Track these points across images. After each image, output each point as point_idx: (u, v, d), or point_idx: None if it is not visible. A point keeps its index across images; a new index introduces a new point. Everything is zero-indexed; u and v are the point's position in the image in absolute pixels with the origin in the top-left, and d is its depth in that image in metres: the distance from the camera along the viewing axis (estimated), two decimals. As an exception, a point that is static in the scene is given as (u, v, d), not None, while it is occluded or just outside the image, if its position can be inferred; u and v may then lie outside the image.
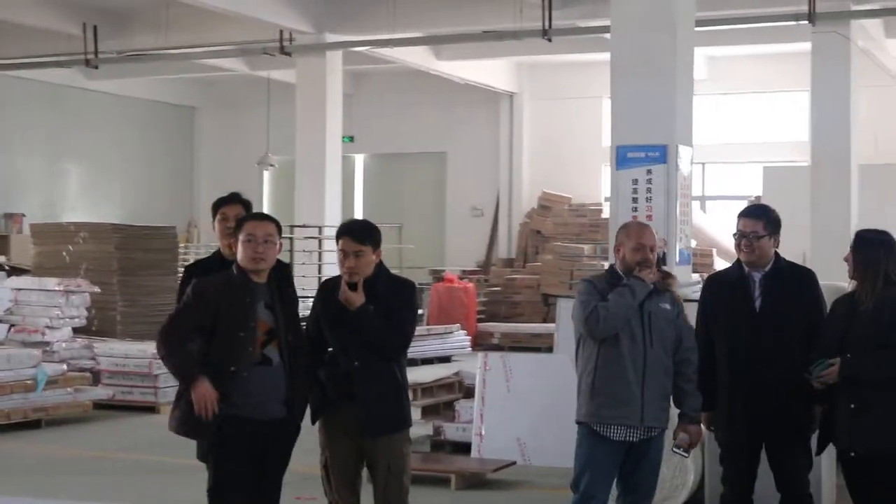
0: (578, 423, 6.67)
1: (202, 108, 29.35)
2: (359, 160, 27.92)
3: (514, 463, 10.14)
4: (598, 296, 6.47)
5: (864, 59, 18.93)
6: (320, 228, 19.74)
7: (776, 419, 6.67)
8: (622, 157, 10.95)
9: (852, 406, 6.17)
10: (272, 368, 6.25)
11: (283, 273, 6.65)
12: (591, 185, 25.89)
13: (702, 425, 6.75)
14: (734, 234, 6.88)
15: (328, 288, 6.54)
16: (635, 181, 10.88)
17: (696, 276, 11.73)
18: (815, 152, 17.87)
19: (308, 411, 6.48)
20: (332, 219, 19.68)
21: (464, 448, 10.73)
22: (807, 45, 21.21)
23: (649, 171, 10.84)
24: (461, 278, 22.91)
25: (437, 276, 23.07)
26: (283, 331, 6.34)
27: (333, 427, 6.43)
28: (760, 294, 6.78)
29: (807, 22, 17.28)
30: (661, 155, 10.82)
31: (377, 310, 6.30)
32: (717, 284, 7.09)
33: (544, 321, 22.32)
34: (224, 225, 7.22)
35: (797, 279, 6.89)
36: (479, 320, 22.04)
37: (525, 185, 26.44)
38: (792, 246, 19.88)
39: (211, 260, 7.38)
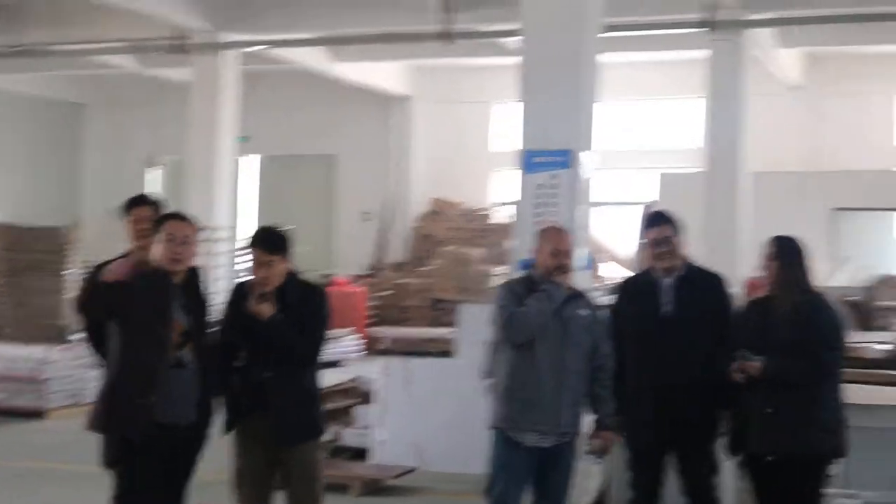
0: (492, 427, 6.59)
1: (91, 106, 28.72)
2: (254, 161, 27.62)
3: (414, 469, 10.04)
4: (516, 300, 6.42)
5: (756, 68, 19.16)
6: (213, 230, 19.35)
7: (683, 425, 6.66)
8: (529, 162, 10.90)
9: (768, 410, 6.17)
10: (186, 371, 6.16)
11: (195, 276, 6.50)
12: (480, 189, 25.91)
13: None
14: (646, 245, 6.84)
15: (240, 293, 6.41)
16: (540, 186, 10.84)
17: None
18: (710, 159, 18.02)
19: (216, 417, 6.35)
20: (222, 220, 19.35)
21: (362, 454, 10.61)
22: (696, 53, 21.63)
23: (554, 176, 10.81)
24: (351, 283, 22.73)
25: (327, 281, 22.85)
26: (197, 333, 6.21)
27: (246, 435, 6.35)
28: (670, 299, 6.76)
29: (703, 30, 17.53)
30: (565, 160, 10.79)
31: (289, 318, 6.24)
32: (627, 289, 7.06)
33: (434, 325, 22.26)
34: (136, 227, 7.01)
35: (707, 283, 6.91)
36: (370, 325, 21.90)
37: (415, 189, 26.34)
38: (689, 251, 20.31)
39: (119, 258, 7.18)
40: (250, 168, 27.57)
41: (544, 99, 10.84)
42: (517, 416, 6.43)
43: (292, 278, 6.42)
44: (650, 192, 22.54)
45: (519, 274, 7.16)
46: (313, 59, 22.70)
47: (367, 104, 26.38)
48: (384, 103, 26.48)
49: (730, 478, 8.25)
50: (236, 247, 21.91)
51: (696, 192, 19.92)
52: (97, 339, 7.14)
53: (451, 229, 24.25)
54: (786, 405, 6.17)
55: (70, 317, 14.51)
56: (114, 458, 6.41)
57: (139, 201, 7.22)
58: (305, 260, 25.37)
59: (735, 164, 17.89)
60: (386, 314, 23.13)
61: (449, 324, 22.05)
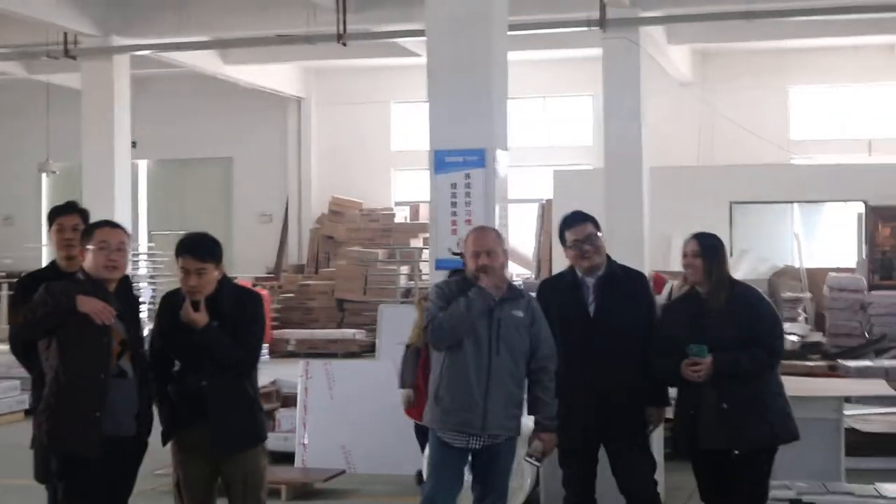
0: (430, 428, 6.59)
1: (-24, 114, 28.12)
2: (142, 166, 27.27)
3: (343, 472, 10.00)
4: (446, 302, 6.38)
5: (649, 65, 19.41)
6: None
7: (611, 423, 6.67)
8: (440, 162, 10.92)
9: (724, 406, 6.25)
10: (127, 381, 6.03)
11: (126, 283, 6.39)
12: (381, 189, 25.93)
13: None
14: (569, 246, 6.83)
15: (171, 302, 6.30)
16: (454, 185, 10.87)
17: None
18: (608, 155, 18.19)
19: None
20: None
21: (286, 458, 10.51)
22: (585, 52, 21.91)
23: (468, 176, 10.85)
24: (254, 285, 22.53)
25: (230, 283, 22.67)
26: (134, 342, 6.11)
27: (185, 446, 6.20)
28: (594, 298, 6.77)
29: (596, 28, 17.74)
30: (479, 159, 10.83)
31: (223, 326, 6.12)
32: (550, 289, 7.02)
33: (339, 326, 22.25)
34: (61, 236, 6.88)
35: (630, 282, 6.91)
36: (274, 327, 21.79)
37: (314, 191, 26.30)
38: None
39: (46, 271, 7.01)
40: (142, 173, 27.25)
41: (455, 98, 10.85)
42: (445, 417, 6.39)
43: (225, 284, 6.28)
44: (544, 190, 22.73)
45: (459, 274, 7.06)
46: (205, 62, 22.51)
47: (263, 107, 26.27)
48: (280, 105, 26.38)
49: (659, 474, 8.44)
50: (138, 252, 21.70)
51: (590, 189, 20.18)
52: (25, 349, 7.01)
53: (352, 230, 24.19)
54: (740, 398, 6.24)
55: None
56: (51, 473, 6.28)
57: (65, 209, 7.04)
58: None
59: (634, 160, 18.07)
60: (289, 316, 23.04)
61: (354, 325, 22.11)
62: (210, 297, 6.12)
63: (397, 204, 25.69)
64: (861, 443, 9.64)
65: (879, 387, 9.28)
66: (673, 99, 22.71)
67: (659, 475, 8.20)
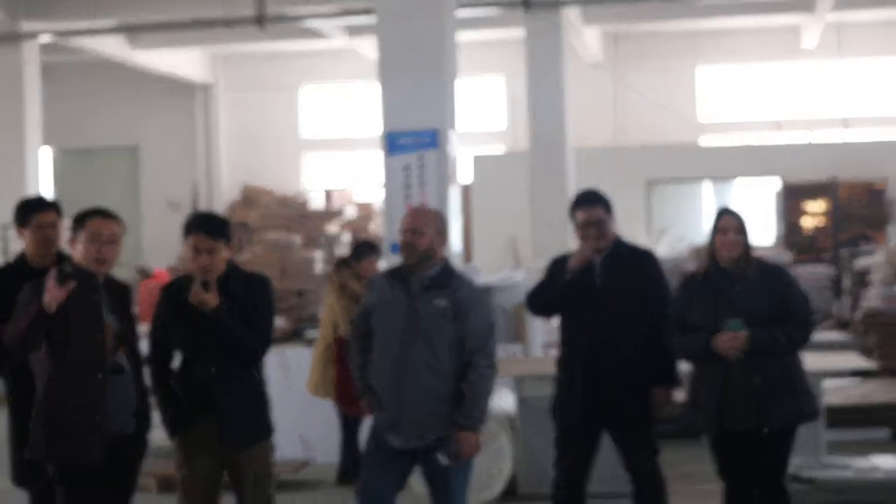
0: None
1: None
2: (47, 155, 26.61)
3: (307, 463, 9.82)
4: (374, 293, 6.29)
5: (568, 47, 19.45)
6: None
7: (616, 403, 6.58)
8: (393, 144, 10.77)
9: (755, 383, 6.17)
10: (124, 377, 5.77)
11: (112, 276, 6.11)
12: (291, 175, 25.66)
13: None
14: (578, 226, 6.74)
15: (173, 290, 6.08)
16: (407, 167, 10.74)
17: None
18: (533, 137, 18.20)
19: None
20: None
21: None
22: (500, 33, 21.90)
23: (421, 157, 10.73)
24: (170, 274, 22.11)
25: (145, 273, 22.20)
26: (128, 335, 5.87)
27: (191, 441, 5.95)
28: (601, 277, 6.69)
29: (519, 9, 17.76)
30: (431, 140, 10.72)
31: (232, 310, 5.88)
32: (559, 269, 6.92)
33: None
34: (41, 234, 6.54)
35: (637, 261, 6.84)
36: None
37: (224, 178, 25.95)
38: (503, 230, 20.59)
39: (12, 267, 6.67)
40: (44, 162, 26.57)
41: (406, 80, 10.73)
42: (376, 416, 6.12)
43: (234, 268, 6.04)
44: (463, 175, 22.65)
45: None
46: (112, 48, 22.01)
47: (170, 93, 25.85)
48: (187, 92, 25.96)
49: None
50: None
51: (510, 173, 20.24)
52: None
53: (265, 216, 23.84)
54: (771, 375, 6.17)
55: None
56: (31, 475, 6.07)
57: (42, 206, 6.69)
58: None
59: (558, 141, 18.14)
60: (209, 304, 22.62)
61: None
62: (218, 279, 5.88)
63: (308, 190, 25.43)
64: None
65: (852, 360, 9.33)
66: (586, 81, 22.75)
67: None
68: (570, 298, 6.69)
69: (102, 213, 5.92)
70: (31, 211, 6.67)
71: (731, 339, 6.15)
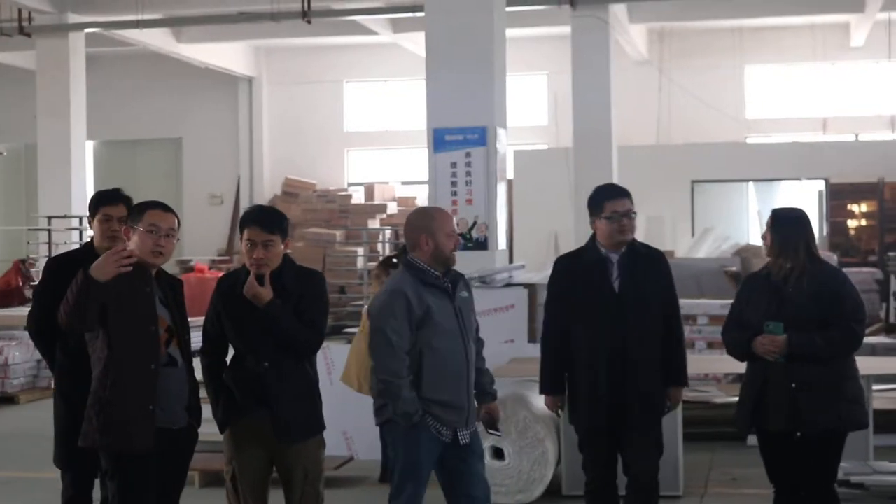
0: None
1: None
2: (88, 147, 26.70)
3: (351, 458, 9.75)
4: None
5: (613, 44, 19.35)
6: (81, 219, 18.59)
7: (632, 402, 6.50)
8: (440, 140, 10.74)
9: (793, 385, 6.09)
10: (178, 370, 5.72)
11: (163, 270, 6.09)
12: (335, 170, 25.63)
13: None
14: (607, 217, 6.63)
15: (228, 283, 6.04)
16: (454, 164, 10.70)
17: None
18: (577, 135, 18.13)
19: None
20: (79, 208, 18.64)
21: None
22: (544, 30, 21.85)
23: (468, 154, 10.68)
24: (210, 268, 22.19)
25: (186, 266, 22.29)
26: (180, 329, 5.83)
27: (242, 435, 5.90)
28: (619, 274, 6.58)
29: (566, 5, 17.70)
30: (480, 137, 10.67)
31: (286, 304, 5.82)
32: (571, 266, 6.80)
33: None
34: (106, 226, 6.56)
35: (652, 260, 6.74)
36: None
37: (267, 171, 25.93)
38: (544, 226, 20.50)
39: (80, 252, 6.77)
40: (88, 154, 26.69)
41: (455, 75, 10.69)
42: (450, 420, 6.01)
43: (289, 262, 5.99)
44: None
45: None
46: (157, 40, 22.06)
47: (214, 86, 25.86)
48: (231, 85, 25.98)
49: (680, 456, 8.33)
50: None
51: (552, 169, 20.19)
52: (48, 339, 6.71)
53: (307, 211, 23.83)
54: (812, 379, 6.08)
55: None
56: (73, 459, 6.12)
57: (112, 198, 6.68)
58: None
59: (603, 138, 18.07)
60: (246, 299, 22.62)
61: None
62: (272, 273, 5.83)
63: (350, 185, 25.39)
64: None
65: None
66: (631, 78, 22.63)
67: (676, 455, 8.14)
68: (586, 296, 6.58)
69: (162, 206, 5.87)
70: (100, 203, 6.70)
71: (769, 341, 6.09)
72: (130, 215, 5.84)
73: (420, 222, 6.11)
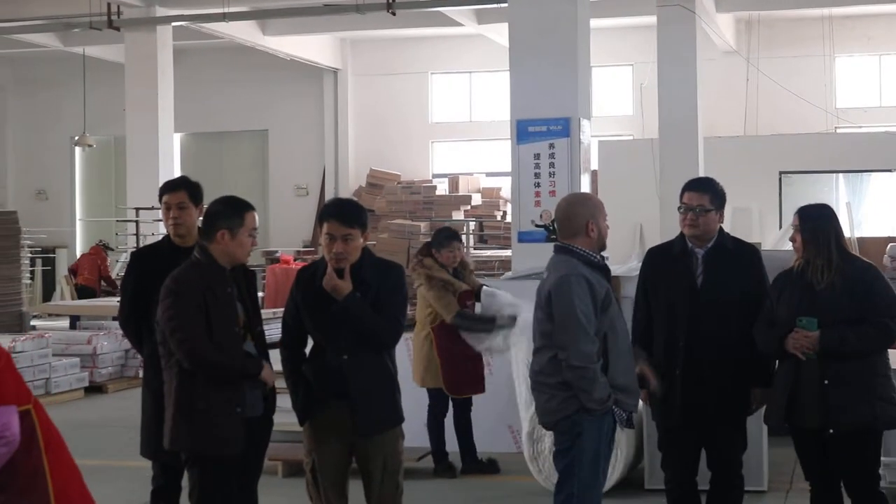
0: None
1: (8, 87, 27.78)
2: (175, 139, 26.97)
3: (431, 451, 9.73)
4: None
5: (700, 34, 19.15)
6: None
7: (715, 401, 6.37)
8: (523, 132, 10.70)
9: (826, 382, 5.98)
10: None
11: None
12: (420, 161, 25.64)
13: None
14: (679, 208, 6.56)
15: (307, 275, 6.04)
16: (537, 155, 10.65)
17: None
18: (662, 125, 17.97)
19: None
20: (167, 200, 18.81)
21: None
22: (629, 20, 21.68)
23: (552, 146, 10.62)
24: (295, 259, 22.30)
25: (271, 257, 22.45)
26: (253, 322, 5.87)
27: (321, 427, 5.89)
28: (702, 270, 6.47)
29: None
30: (563, 128, 10.61)
31: (365, 297, 5.81)
32: (658, 258, 6.72)
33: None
34: (166, 213, 6.73)
35: (740, 256, 6.58)
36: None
37: (351, 163, 26.00)
38: (628, 217, 20.35)
39: (160, 246, 6.90)
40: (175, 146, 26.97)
41: (539, 66, 10.63)
42: (630, 406, 6.05)
43: (369, 255, 5.97)
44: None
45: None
46: (243, 32, 22.21)
47: (298, 78, 25.97)
48: (316, 76, 26.06)
49: (764, 452, 8.22)
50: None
51: (637, 160, 20.01)
52: (134, 328, 6.82)
53: (392, 202, 23.85)
54: (844, 376, 5.96)
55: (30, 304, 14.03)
56: (160, 450, 6.09)
57: (172, 186, 6.82)
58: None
59: (690, 129, 17.90)
60: (332, 290, 22.72)
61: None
62: (352, 266, 5.82)
63: (435, 176, 25.39)
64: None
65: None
66: (718, 68, 22.41)
67: (760, 450, 8.02)
68: (668, 290, 6.49)
69: (254, 209, 5.96)
70: (161, 192, 6.83)
71: (801, 337, 5.99)
72: (231, 217, 5.84)
73: (584, 209, 5.99)
